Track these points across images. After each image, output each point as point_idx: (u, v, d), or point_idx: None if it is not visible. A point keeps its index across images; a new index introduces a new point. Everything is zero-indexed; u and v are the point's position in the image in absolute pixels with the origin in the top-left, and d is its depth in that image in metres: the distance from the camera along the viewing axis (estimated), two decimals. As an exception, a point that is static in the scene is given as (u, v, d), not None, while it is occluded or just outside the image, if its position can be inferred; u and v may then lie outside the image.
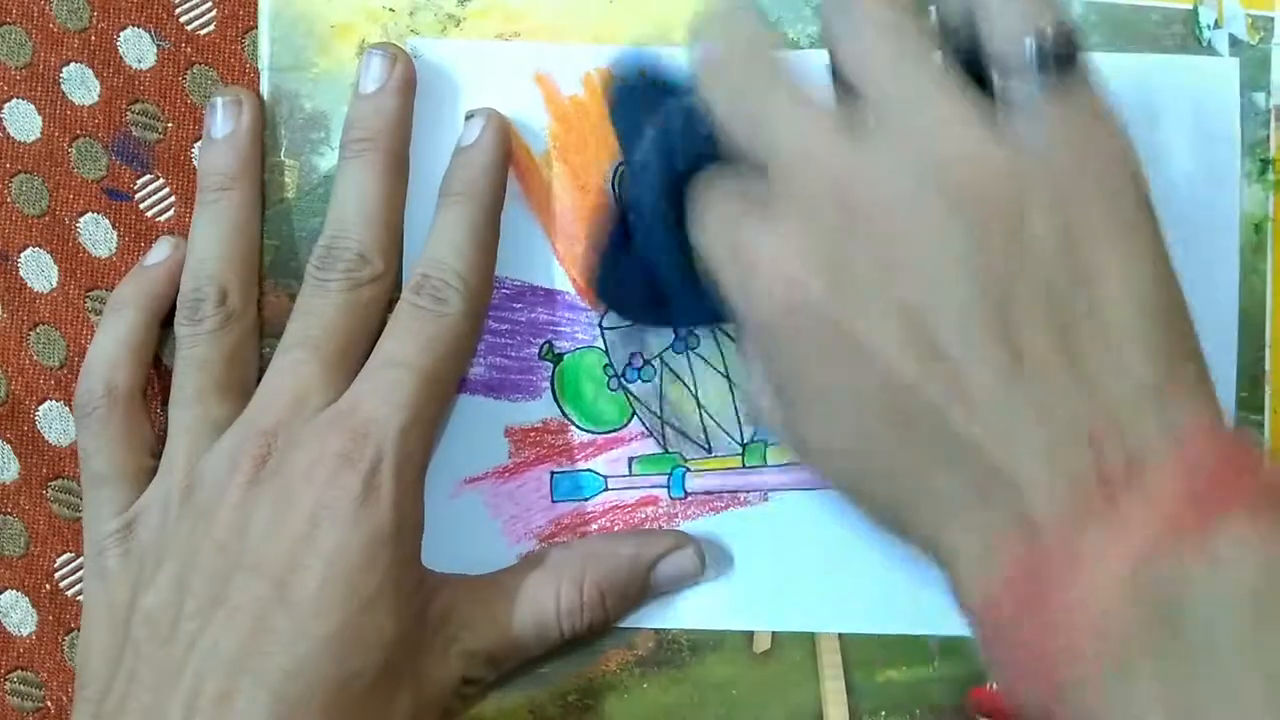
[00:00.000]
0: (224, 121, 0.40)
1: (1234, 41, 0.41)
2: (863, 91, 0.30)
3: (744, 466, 0.40)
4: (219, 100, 0.40)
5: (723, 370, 0.41)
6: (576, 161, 0.41)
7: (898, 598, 0.40)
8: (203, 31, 0.43)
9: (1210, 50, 0.41)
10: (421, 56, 0.41)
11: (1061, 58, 0.29)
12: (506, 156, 0.39)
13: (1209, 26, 0.41)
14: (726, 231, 0.31)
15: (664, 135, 0.34)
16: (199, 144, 0.42)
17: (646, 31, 0.41)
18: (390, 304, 0.38)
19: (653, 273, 0.35)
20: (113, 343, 0.39)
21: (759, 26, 0.33)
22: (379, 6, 0.41)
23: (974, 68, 0.30)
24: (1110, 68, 0.40)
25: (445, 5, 0.41)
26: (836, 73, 0.31)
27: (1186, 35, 0.41)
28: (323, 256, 0.38)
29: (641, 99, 0.36)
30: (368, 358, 0.37)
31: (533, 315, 0.41)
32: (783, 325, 0.29)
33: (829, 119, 0.30)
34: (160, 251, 0.40)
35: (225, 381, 0.38)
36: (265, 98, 0.41)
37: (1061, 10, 0.29)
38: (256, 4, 0.42)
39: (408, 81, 0.39)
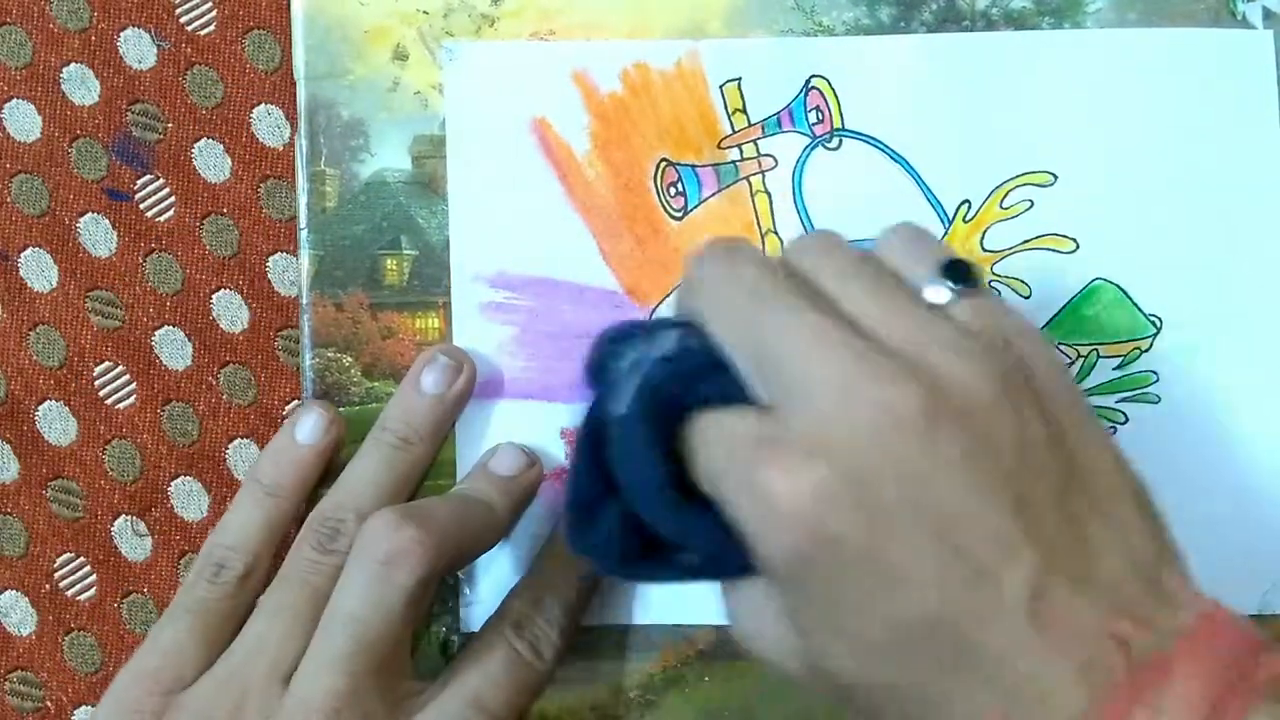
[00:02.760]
0: (436, 380, 0.39)
1: (1268, 14, 0.41)
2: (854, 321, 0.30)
3: (800, 458, 0.40)
4: (440, 358, 0.39)
5: (774, 363, 0.40)
6: (619, 159, 0.41)
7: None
8: (203, 32, 0.42)
9: (1244, 23, 0.41)
10: (457, 59, 0.40)
11: (965, 272, 0.30)
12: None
13: (1242, -1, 0.41)
14: (740, 468, 0.29)
15: (646, 382, 0.30)
16: (199, 144, 0.42)
17: (681, 25, 0.41)
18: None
19: (641, 522, 0.31)
20: (260, 527, 0.38)
21: (759, 251, 0.32)
22: (413, 9, 0.41)
23: None
24: (1145, 43, 0.41)
25: (479, 5, 0.41)
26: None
27: (1220, 9, 0.41)
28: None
29: (616, 349, 0.32)
30: None
31: (581, 315, 0.40)
32: (807, 560, 0.28)
33: (839, 348, 0.29)
34: (312, 429, 0.39)
35: (317, 614, 0.36)
36: (302, 107, 0.40)
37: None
38: (257, 4, 0.41)
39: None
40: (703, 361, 0.30)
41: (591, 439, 0.31)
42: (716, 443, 0.30)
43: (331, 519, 0.37)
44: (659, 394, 0.30)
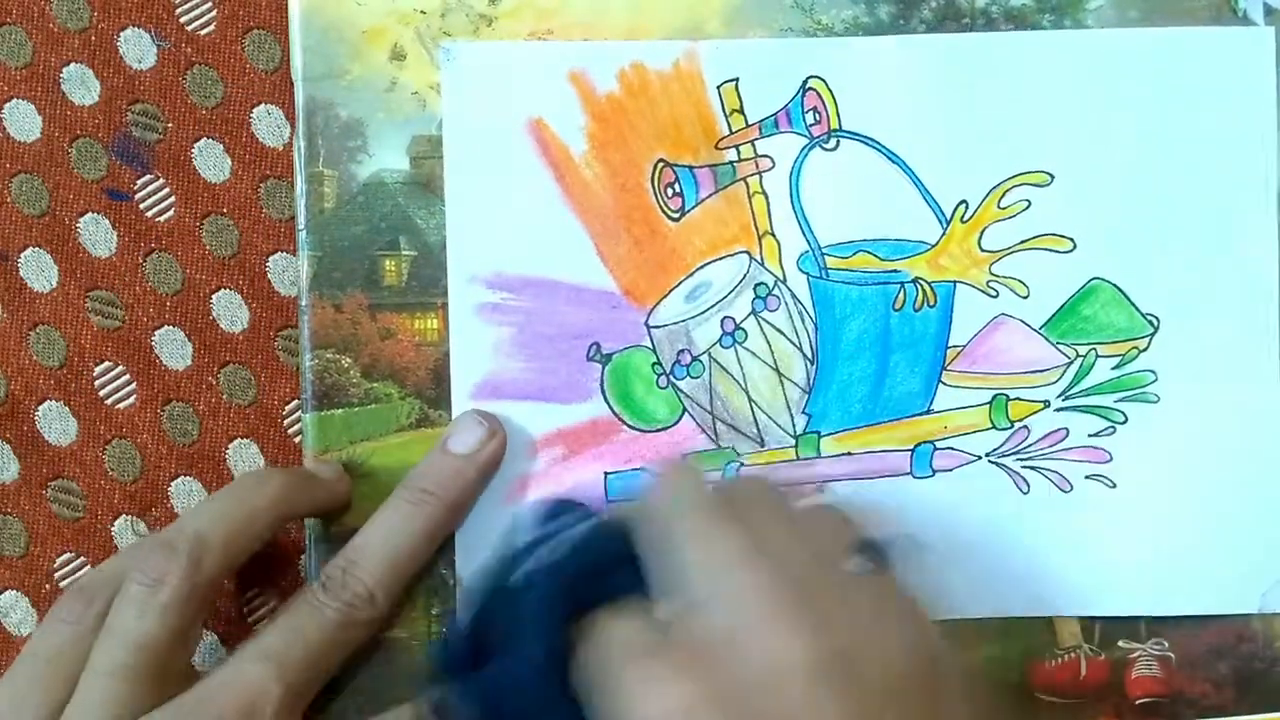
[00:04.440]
0: (466, 440, 0.39)
1: (1269, 10, 0.41)
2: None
3: (798, 458, 0.40)
4: (473, 419, 0.39)
5: (771, 363, 0.41)
6: (616, 160, 0.41)
7: (958, 582, 0.40)
8: (203, 31, 0.42)
9: (1245, 20, 0.41)
10: (455, 59, 0.40)
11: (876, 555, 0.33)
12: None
13: (1244, -4, 0.41)
14: (620, 670, 0.30)
15: (563, 558, 0.33)
16: (199, 144, 0.42)
17: (678, 25, 0.41)
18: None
19: (507, 693, 0.32)
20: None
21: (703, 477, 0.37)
22: (410, 9, 0.41)
23: None
24: (1142, 42, 0.41)
25: (477, 5, 0.41)
26: None
27: (1221, 5, 0.41)
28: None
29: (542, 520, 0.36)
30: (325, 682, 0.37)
31: (578, 316, 0.40)
32: None
33: (757, 577, 0.30)
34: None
35: (317, 663, 0.36)
36: (300, 108, 0.40)
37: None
38: (257, 4, 0.41)
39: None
40: (615, 555, 0.33)
41: (491, 597, 0.33)
42: (605, 643, 0.31)
43: (334, 566, 0.38)
44: (569, 577, 0.33)
